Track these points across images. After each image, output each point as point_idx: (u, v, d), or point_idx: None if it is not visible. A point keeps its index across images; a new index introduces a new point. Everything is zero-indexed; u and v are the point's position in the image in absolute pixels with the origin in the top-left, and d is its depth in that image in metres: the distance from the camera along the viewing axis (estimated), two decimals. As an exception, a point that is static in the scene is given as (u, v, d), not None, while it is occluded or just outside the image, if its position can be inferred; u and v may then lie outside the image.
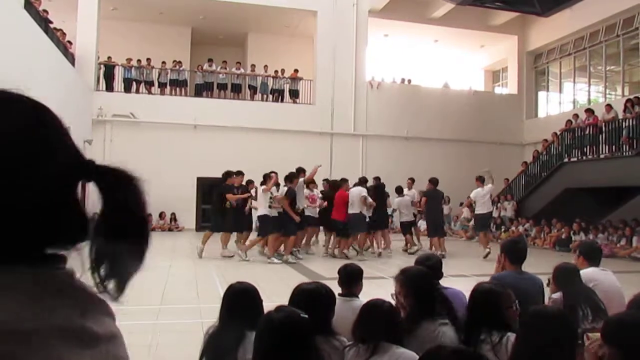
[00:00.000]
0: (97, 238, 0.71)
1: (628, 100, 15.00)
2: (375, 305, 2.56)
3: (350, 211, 11.39)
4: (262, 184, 11.12)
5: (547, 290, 3.82)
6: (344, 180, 12.15)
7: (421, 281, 2.83)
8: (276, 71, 20.39)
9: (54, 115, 0.74)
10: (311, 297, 2.60)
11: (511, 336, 2.42)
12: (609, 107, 15.87)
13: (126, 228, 0.73)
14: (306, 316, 2.09)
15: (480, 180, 12.66)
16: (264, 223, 10.86)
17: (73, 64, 16.72)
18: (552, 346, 2.03)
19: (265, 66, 20.39)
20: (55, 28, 15.37)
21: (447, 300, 2.93)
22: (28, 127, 0.69)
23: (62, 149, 0.72)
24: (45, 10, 14.58)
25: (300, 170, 11.73)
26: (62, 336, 0.64)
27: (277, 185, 11.38)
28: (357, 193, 11.52)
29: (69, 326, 0.66)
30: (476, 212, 12.84)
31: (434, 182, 12.52)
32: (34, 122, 0.71)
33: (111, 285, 0.72)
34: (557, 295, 3.61)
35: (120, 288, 0.73)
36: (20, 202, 0.67)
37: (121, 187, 0.74)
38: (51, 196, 0.69)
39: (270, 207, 10.74)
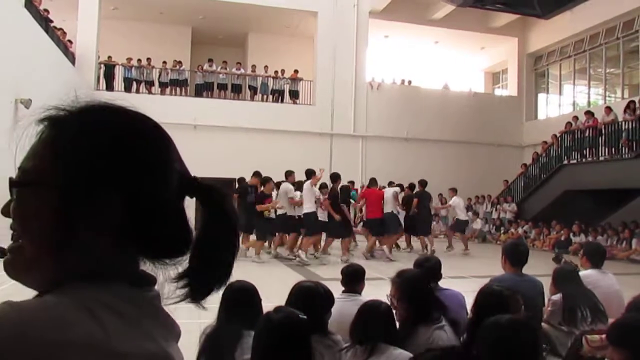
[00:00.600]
0: (199, 251, 0.74)
1: (631, 102, 14.99)
2: (372, 306, 2.56)
3: (385, 210, 11.77)
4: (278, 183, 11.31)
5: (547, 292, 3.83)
6: (374, 181, 12.38)
7: (417, 285, 2.82)
8: (276, 71, 20.39)
9: (166, 133, 0.80)
10: (309, 296, 2.60)
11: None
12: (608, 109, 15.87)
13: (223, 241, 0.76)
14: (305, 317, 2.09)
15: (454, 191, 14.06)
16: (312, 221, 10.69)
17: (73, 63, 16.74)
18: (514, 356, 1.95)
19: (266, 66, 20.39)
20: (55, 27, 15.38)
21: (442, 304, 2.91)
22: (153, 139, 0.75)
23: (177, 163, 0.78)
24: (45, 10, 14.59)
25: (311, 173, 11.70)
26: None
27: (278, 185, 11.46)
28: (390, 192, 11.97)
29: (159, 352, 0.68)
30: (458, 218, 13.95)
31: (423, 183, 13.08)
32: (156, 135, 0.77)
33: (199, 295, 0.77)
34: (557, 297, 3.62)
35: (204, 297, 0.79)
36: (141, 212, 0.70)
37: (220, 203, 0.77)
38: (165, 209, 0.72)
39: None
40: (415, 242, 13.32)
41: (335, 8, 20.01)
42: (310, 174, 11.00)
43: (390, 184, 13.58)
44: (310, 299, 2.58)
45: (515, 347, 1.91)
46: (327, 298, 2.65)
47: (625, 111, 14.89)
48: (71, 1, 17.79)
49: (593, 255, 4.25)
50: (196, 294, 0.76)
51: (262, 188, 11.11)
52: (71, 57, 16.57)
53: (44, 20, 13.90)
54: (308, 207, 10.68)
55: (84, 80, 17.31)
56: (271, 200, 11.00)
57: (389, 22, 20.71)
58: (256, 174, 11.80)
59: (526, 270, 3.86)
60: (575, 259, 7.05)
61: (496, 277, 3.74)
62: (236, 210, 0.80)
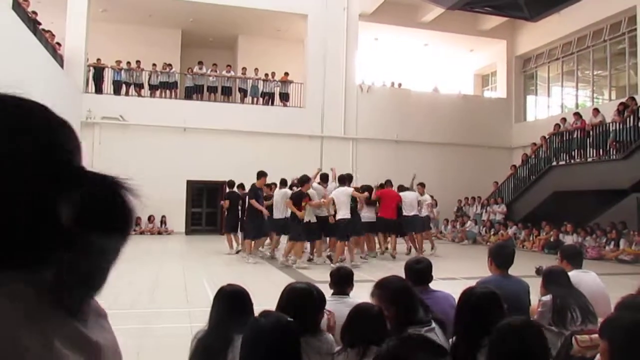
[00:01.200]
0: (71, 250, 0.66)
1: (621, 104, 15.11)
2: (364, 309, 2.55)
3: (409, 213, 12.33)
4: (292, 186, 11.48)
5: (533, 294, 3.85)
6: (390, 182, 12.80)
7: (398, 294, 2.74)
8: (266, 74, 20.36)
9: (45, 116, 0.71)
10: (301, 296, 2.60)
11: None
12: (596, 111, 16.02)
13: (103, 243, 0.68)
14: (292, 320, 2.08)
15: (422, 186, 13.55)
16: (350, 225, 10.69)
17: (62, 65, 16.62)
18: (525, 358, 2.03)
19: (256, 69, 20.36)
20: (44, 29, 15.26)
21: (428, 307, 2.86)
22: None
23: (43, 154, 0.67)
24: (34, 12, 14.48)
25: (324, 176, 12.02)
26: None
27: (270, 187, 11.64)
28: (412, 197, 12.59)
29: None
30: (423, 214, 13.13)
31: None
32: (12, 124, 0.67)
33: (71, 300, 0.68)
34: (547, 297, 3.64)
35: (77, 306, 0.69)
36: None
37: (112, 199, 0.68)
38: (26, 205, 0.64)
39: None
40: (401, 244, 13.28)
41: (325, 11, 20.04)
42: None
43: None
44: (302, 299, 2.57)
45: (526, 350, 2.01)
46: (319, 299, 2.65)
47: (618, 112, 14.99)
48: (60, 3, 17.67)
49: (572, 257, 4.30)
50: (68, 301, 0.67)
51: (301, 187, 10.82)
52: (60, 60, 16.45)
53: (32, 22, 13.79)
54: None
55: (72, 83, 17.22)
56: (309, 200, 10.67)
57: (378, 24, 20.77)
58: (262, 174, 11.76)
59: (515, 271, 3.88)
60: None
61: (482, 278, 3.75)
62: (132, 210, 0.70)
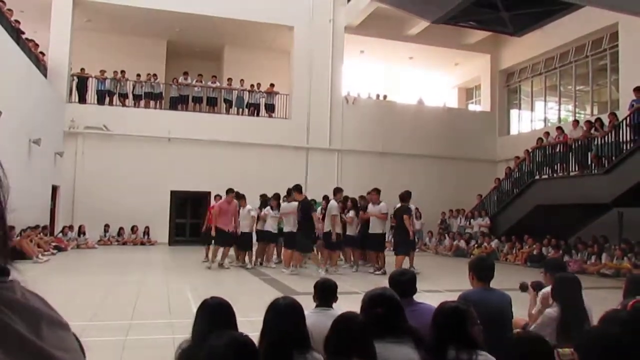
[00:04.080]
0: None
1: (597, 120, 15.33)
2: (347, 319, 2.50)
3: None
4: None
5: (515, 306, 3.85)
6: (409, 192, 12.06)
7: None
8: (252, 85, 20.38)
9: None
10: (293, 312, 2.59)
11: (480, 354, 2.42)
12: (576, 122, 16.26)
13: None
14: (247, 335, 2.05)
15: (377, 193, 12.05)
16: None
17: (45, 75, 16.50)
18: None
19: (242, 80, 20.36)
20: (27, 38, 15.15)
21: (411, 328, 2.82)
22: None
23: None
24: (17, 21, 14.39)
25: (338, 190, 12.39)
26: None
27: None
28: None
29: None
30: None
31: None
32: None
33: None
34: (553, 310, 3.63)
35: None
36: None
37: None
38: None
39: None
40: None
41: (311, 23, 20.16)
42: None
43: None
44: (292, 315, 2.56)
45: None
46: (302, 313, 2.64)
47: (591, 127, 15.17)
48: (43, 12, 17.57)
49: (556, 270, 4.27)
50: None
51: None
52: (43, 69, 16.33)
53: (15, 32, 13.70)
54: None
55: (56, 93, 17.09)
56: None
57: (364, 37, 20.92)
58: (297, 188, 11.69)
59: (498, 284, 3.89)
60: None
61: (464, 292, 3.76)
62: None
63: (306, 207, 11.23)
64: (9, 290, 0.68)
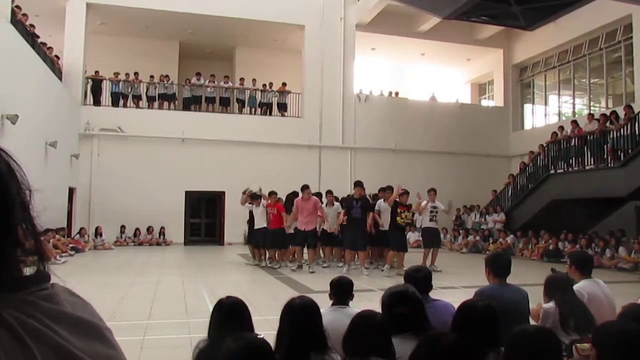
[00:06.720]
0: None
1: (612, 113, 15.18)
2: (366, 317, 2.48)
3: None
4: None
5: (532, 302, 3.83)
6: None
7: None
8: (264, 85, 20.43)
9: None
10: (309, 312, 2.58)
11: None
12: (591, 116, 16.11)
13: None
14: (262, 336, 2.05)
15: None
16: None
17: (60, 78, 16.66)
18: None
19: (254, 80, 20.43)
20: (42, 42, 15.33)
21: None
22: None
23: None
24: (32, 25, 14.55)
25: (382, 190, 11.98)
26: None
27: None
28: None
29: None
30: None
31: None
32: None
33: None
34: (550, 305, 3.62)
35: None
36: None
37: None
38: None
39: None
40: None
41: (322, 21, 20.15)
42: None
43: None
44: (307, 316, 2.55)
45: (543, 355, 2.07)
46: (319, 312, 2.63)
47: (606, 121, 15.01)
48: (58, 16, 17.76)
49: (581, 264, 4.23)
50: None
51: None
52: (58, 73, 16.50)
53: (30, 36, 13.86)
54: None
55: (71, 96, 17.25)
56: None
57: (375, 34, 20.86)
58: (358, 184, 11.43)
59: (515, 279, 3.87)
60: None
61: (480, 288, 3.74)
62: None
63: (367, 205, 11.21)
64: (53, 299, 0.68)
